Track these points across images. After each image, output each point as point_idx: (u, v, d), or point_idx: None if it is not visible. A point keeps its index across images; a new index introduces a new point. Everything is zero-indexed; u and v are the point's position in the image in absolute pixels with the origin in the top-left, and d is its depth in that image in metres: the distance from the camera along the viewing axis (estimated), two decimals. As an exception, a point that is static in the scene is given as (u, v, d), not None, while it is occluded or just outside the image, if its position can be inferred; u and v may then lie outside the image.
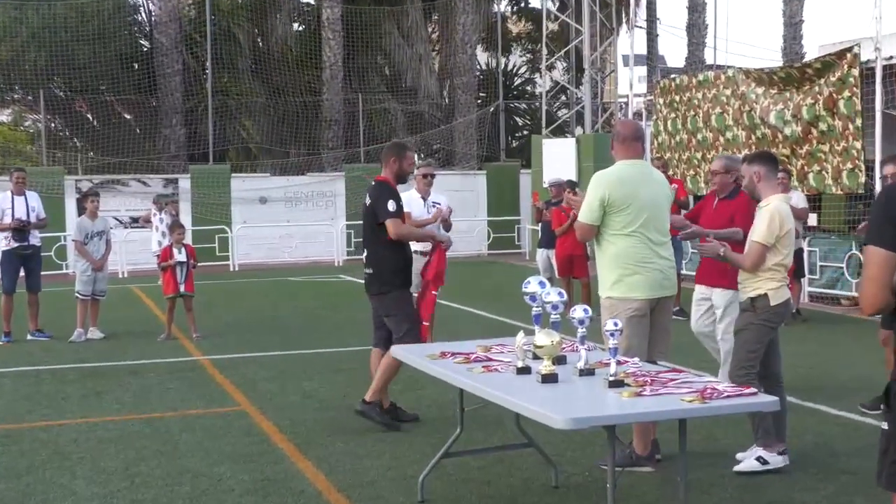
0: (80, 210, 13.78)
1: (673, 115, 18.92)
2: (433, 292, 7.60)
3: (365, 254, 7.58)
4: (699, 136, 18.13)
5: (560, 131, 28.87)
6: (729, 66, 23.27)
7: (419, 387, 8.99)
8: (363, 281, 7.65)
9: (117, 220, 24.16)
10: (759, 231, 6.18)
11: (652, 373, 4.83)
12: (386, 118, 29.87)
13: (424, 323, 7.46)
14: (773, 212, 6.19)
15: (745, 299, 6.27)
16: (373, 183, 7.56)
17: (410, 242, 7.68)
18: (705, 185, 18.11)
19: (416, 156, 7.32)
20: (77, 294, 12.78)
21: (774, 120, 16.09)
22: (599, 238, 6.16)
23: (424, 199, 10.85)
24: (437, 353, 5.62)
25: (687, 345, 11.37)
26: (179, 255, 12.52)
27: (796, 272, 13.29)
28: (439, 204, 10.97)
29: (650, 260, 6.09)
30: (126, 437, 7.42)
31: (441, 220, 10.78)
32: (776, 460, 6.21)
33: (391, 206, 7.27)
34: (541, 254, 13.87)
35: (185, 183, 25.38)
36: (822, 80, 15.25)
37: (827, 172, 15.32)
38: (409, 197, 10.84)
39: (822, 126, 15.29)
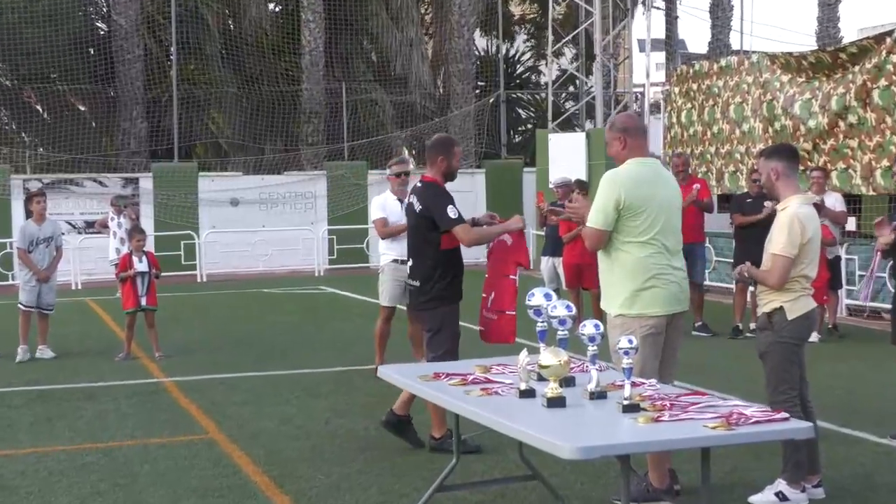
0: (28, 213, 13.76)
1: (688, 105, 18.97)
2: (512, 276, 7.42)
3: (410, 264, 7.54)
4: (714, 129, 18.17)
5: (568, 125, 28.92)
6: (755, 52, 23.35)
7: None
8: (408, 291, 7.50)
9: (70, 224, 24.16)
10: (778, 242, 6.08)
11: (671, 396, 4.82)
12: (373, 110, 29.89)
13: (509, 312, 7.33)
14: (793, 217, 6.10)
15: (761, 315, 6.25)
16: (419, 185, 7.48)
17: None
18: (717, 184, 18.13)
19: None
20: (19, 304, 12.76)
21: (799, 110, 16.05)
22: (609, 246, 6.10)
23: (401, 200, 10.83)
24: (430, 374, 5.61)
25: (711, 365, 11.38)
26: (140, 265, 12.50)
27: (833, 283, 13.32)
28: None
29: (667, 271, 6.07)
30: (80, 469, 7.39)
31: None
32: (798, 498, 6.17)
33: (452, 211, 7.19)
34: (546, 262, 13.86)
35: (146, 183, 25.37)
36: (857, 68, 15.17)
37: (855, 171, 15.24)
38: (384, 201, 10.91)
39: (851, 118, 15.19)
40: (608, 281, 6.16)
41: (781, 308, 6.13)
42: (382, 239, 10.85)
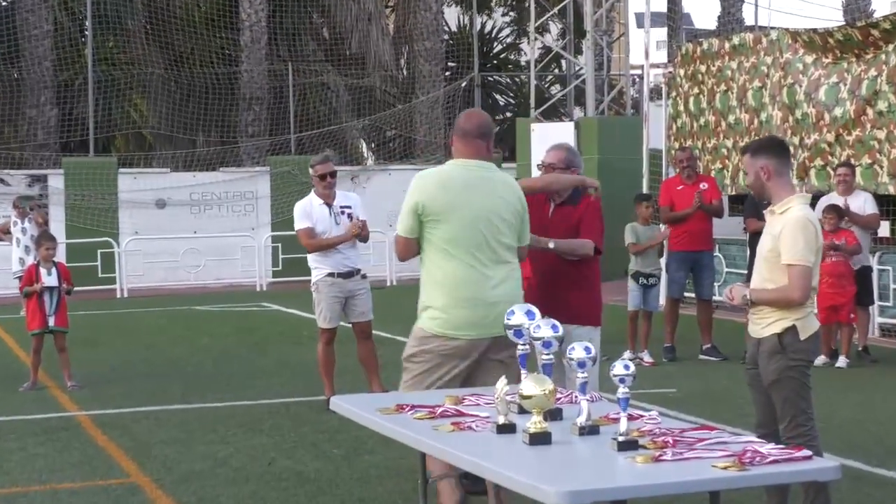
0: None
1: (696, 90, 18.95)
2: None
3: None
4: (731, 119, 18.13)
5: (554, 113, 28.97)
6: (773, 28, 23.45)
7: (367, 450, 8.98)
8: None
9: (-34, 230, 24.00)
10: (794, 249, 6.11)
11: (675, 431, 4.83)
12: (324, 96, 29.88)
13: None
14: (806, 220, 6.16)
15: (769, 337, 6.24)
16: None
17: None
18: (732, 183, 18.15)
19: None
20: None
21: (825, 97, 16.05)
22: (421, 255, 6.44)
23: (329, 205, 10.92)
24: (392, 407, 5.61)
25: (721, 394, 11.43)
26: (49, 278, 12.43)
27: (861, 298, 13.38)
28: (350, 209, 11.02)
29: (478, 292, 6.26)
30: (-23, 519, 7.34)
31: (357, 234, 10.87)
32: None
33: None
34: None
35: (56, 181, 25.25)
36: (891, 46, 15.17)
37: (881, 167, 15.13)
38: (308, 205, 10.97)
39: (881, 105, 15.11)
40: (421, 286, 6.49)
41: (794, 327, 6.16)
42: (311, 252, 10.90)
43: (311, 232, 10.81)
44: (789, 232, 6.13)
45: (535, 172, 21.70)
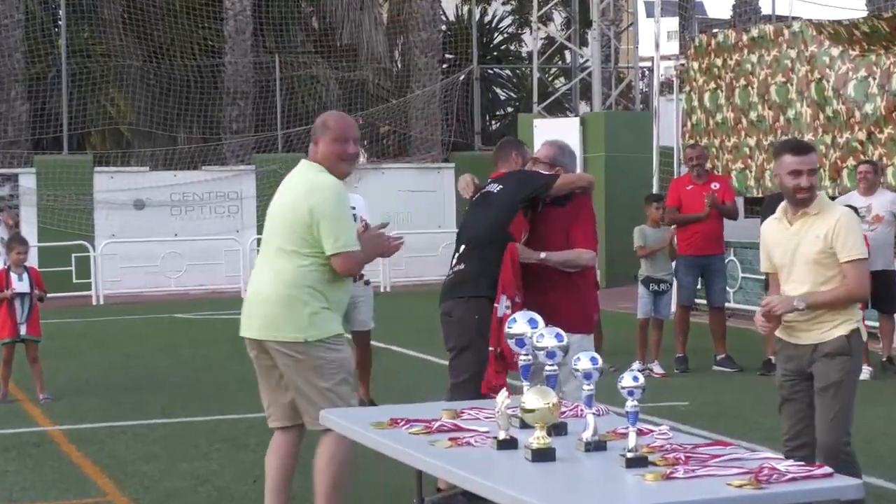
0: None
1: (713, 85, 18.92)
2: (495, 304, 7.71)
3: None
4: (753, 116, 18.09)
5: (558, 108, 28.99)
6: (794, 18, 23.46)
7: (360, 467, 8.95)
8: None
9: (-69, 233, 23.98)
10: (853, 244, 6.35)
11: (687, 447, 4.83)
12: (313, 90, 29.87)
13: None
14: (851, 214, 6.51)
15: (835, 340, 6.35)
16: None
17: None
18: (757, 184, 18.08)
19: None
20: None
21: (854, 92, 16.08)
22: None
23: None
24: (386, 421, 5.61)
25: (736, 408, 11.44)
26: (20, 284, 12.43)
27: (884, 305, 13.35)
28: (354, 210, 11.00)
29: (250, 292, 6.97)
30: (-57, 541, 7.33)
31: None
32: None
33: None
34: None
35: (27, 180, 25.24)
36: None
37: None
38: None
39: None
40: None
41: (858, 329, 6.39)
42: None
43: None
44: (844, 229, 6.33)
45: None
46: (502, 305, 7.52)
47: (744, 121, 18.22)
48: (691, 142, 18.17)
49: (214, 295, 24.52)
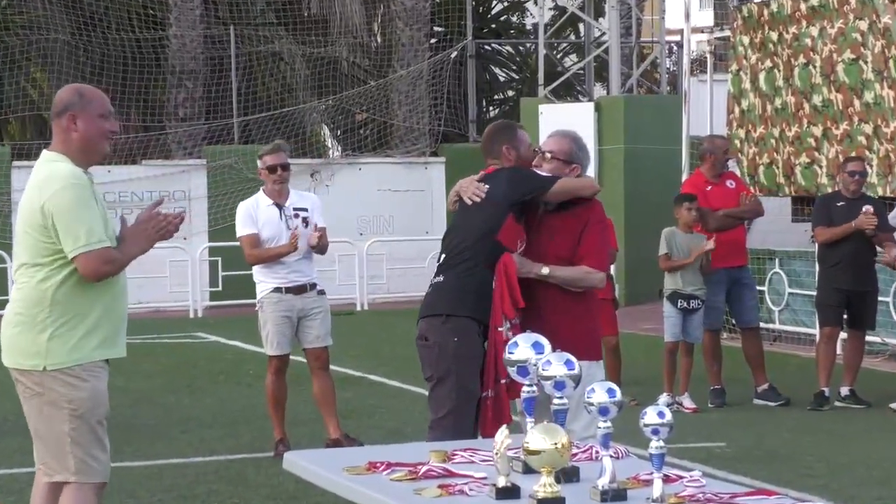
0: None
1: (768, 63, 18.78)
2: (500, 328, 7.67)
3: None
4: (817, 100, 17.94)
5: (568, 91, 29.01)
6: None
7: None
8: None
9: None
10: None
11: (724, 496, 4.82)
12: (276, 69, 29.88)
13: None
14: None
15: None
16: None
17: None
18: (828, 181, 17.80)
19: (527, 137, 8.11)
20: None
21: None
22: None
23: (279, 206, 11.06)
24: (363, 465, 5.58)
25: (782, 449, 11.43)
26: (-78, 300, 12.39)
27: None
28: (306, 212, 11.15)
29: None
30: None
31: (309, 244, 11.01)
32: None
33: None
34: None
35: (-67, 177, 25.20)
36: None
37: None
38: (253, 206, 11.17)
39: None
40: None
41: None
42: (252, 265, 11.13)
43: (256, 240, 10.97)
44: None
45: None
46: (504, 328, 7.49)
47: (806, 106, 18.00)
48: (750, 132, 18.06)
49: (157, 315, 24.51)
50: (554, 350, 5.38)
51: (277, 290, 10.88)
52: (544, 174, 7.82)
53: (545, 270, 7.49)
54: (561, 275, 7.55)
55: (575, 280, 7.56)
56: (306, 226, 11.02)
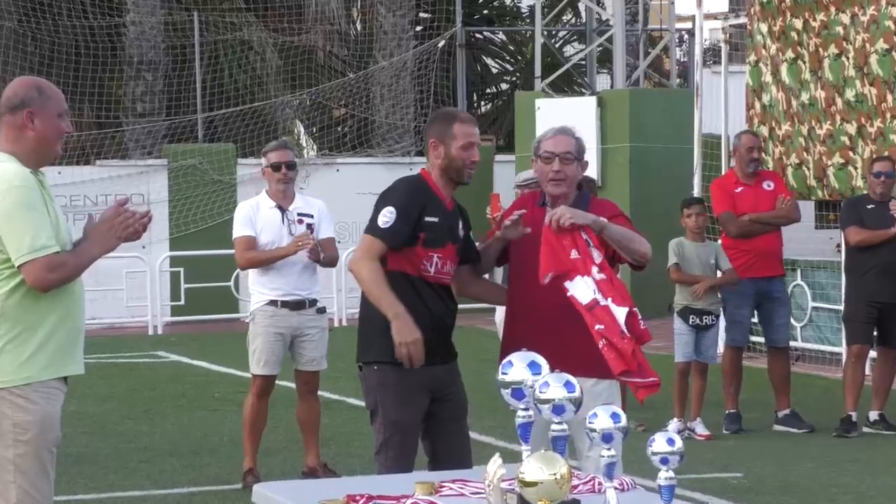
0: None
1: (791, 54, 18.76)
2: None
3: None
4: (849, 95, 17.90)
5: (568, 83, 29.04)
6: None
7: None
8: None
9: None
10: None
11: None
12: (245, 60, 29.86)
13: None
14: None
15: None
16: None
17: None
18: (864, 183, 17.74)
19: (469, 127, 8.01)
20: None
21: None
22: None
23: (282, 208, 11.12)
24: (341, 498, 5.59)
25: (803, 478, 11.43)
26: None
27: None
28: (311, 218, 11.23)
29: None
30: None
31: (309, 252, 11.04)
32: None
33: (383, 217, 7.83)
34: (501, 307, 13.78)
35: None
36: None
37: None
38: (254, 209, 11.25)
39: None
40: None
41: None
42: (243, 269, 11.07)
43: (251, 243, 11.02)
44: None
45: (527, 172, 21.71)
46: (585, 287, 7.49)
47: (838, 101, 17.92)
48: (775, 129, 18.02)
49: (113, 331, 24.44)
50: (571, 366, 5.39)
51: (273, 303, 10.92)
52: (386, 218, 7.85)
53: (603, 219, 7.51)
54: (618, 229, 7.58)
55: (629, 239, 7.66)
56: (311, 233, 11.04)
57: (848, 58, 17.66)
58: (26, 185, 6.48)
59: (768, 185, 13.99)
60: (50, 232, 6.48)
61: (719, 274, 13.64)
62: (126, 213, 6.81)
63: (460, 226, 8.02)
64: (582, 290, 7.41)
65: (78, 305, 6.69)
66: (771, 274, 13.91)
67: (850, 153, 17.50)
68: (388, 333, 7.64)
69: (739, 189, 13.94)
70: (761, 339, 15.01)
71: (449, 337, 8.01)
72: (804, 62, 18.30)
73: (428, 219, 7.79)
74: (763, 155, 17.98)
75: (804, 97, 18.30)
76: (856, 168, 17.48)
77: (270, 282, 10.94)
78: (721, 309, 13.79)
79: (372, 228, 7.76)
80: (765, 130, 18.52)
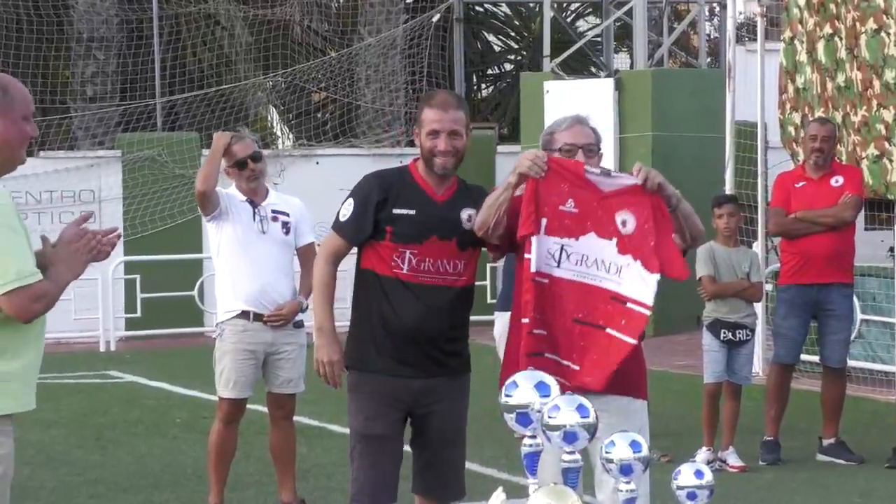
0: None
1: (828, 29, 18.82)
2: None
3: None
4: (890, 76, 17.91)
5: (581, 63, 29.09)
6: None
7: None
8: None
9: None
10: None
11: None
12: (210, 36, 29.92)
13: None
14: None
15: None
16: None
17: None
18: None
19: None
20: None
21: None
22: None
23: (254, 203, 11.19)
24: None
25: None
26: None
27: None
28: (286, 216, 11.31)
29: None
30: None
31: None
32: None
33: (343, 210, 8.35)
34: (502, 321, 13.83)
35: None
36: None
37: None
38: (228, 193, 11.40)
39: None
40: None
41: None
42: (201, 191, 11.25)
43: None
44: None
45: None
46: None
47: (876, 84, 17.91)
48: (819, 115, 17.92)
49: (60, 347, 24.44)
50: (581, 390, 5.39)
51: (244, 314, 10.91)
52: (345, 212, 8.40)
53: (679, 193, 7.66)
54: (687, 206, 8.09)
55: (694, 216, 8.08)
56: (287, 233, 11.05)
57: (889, 34, 17.62)
58: (5, 203, 6.53)
59: (836, 181, 13.61)
60: (32, 257, 6.49)
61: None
62: (88, 235, 6.72)
63: (462, 219, 8.00)
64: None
65: (43, 334, 6.71)
66: (824, 281, 13.68)
67: (886, 144, 17.38)
68: (358, 336, 8.15)
69: (801, 184, 13.71)
70: (809, 358, 14.97)
71: (438, 347, 8.08)
72: (840, 38, 18.24)
73: (398, 211, 8.05)
74: (795, 146, 17.96)
75: (840, 78, 18.19)
76: (891, 161, 17.39)
77: (242, 288, 10.93)
78: (757, 322, 13.75)
79: (334, 222, 8.32)
80: (796, 118, 18.49)
